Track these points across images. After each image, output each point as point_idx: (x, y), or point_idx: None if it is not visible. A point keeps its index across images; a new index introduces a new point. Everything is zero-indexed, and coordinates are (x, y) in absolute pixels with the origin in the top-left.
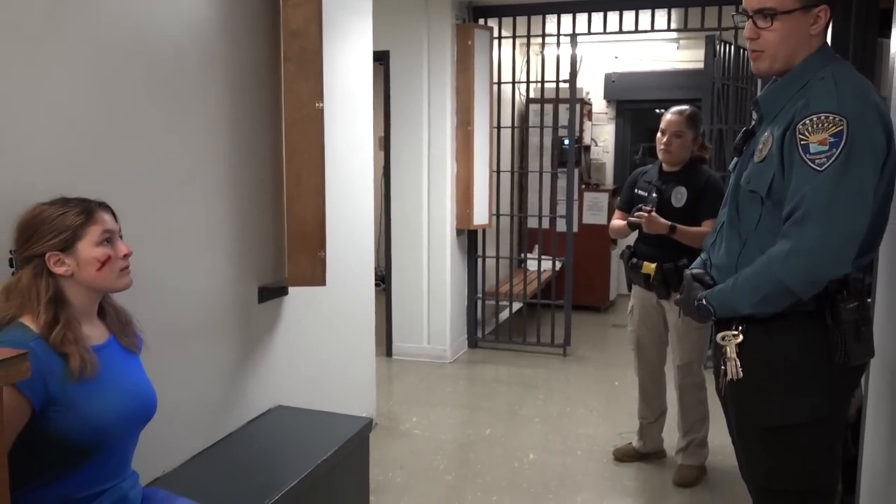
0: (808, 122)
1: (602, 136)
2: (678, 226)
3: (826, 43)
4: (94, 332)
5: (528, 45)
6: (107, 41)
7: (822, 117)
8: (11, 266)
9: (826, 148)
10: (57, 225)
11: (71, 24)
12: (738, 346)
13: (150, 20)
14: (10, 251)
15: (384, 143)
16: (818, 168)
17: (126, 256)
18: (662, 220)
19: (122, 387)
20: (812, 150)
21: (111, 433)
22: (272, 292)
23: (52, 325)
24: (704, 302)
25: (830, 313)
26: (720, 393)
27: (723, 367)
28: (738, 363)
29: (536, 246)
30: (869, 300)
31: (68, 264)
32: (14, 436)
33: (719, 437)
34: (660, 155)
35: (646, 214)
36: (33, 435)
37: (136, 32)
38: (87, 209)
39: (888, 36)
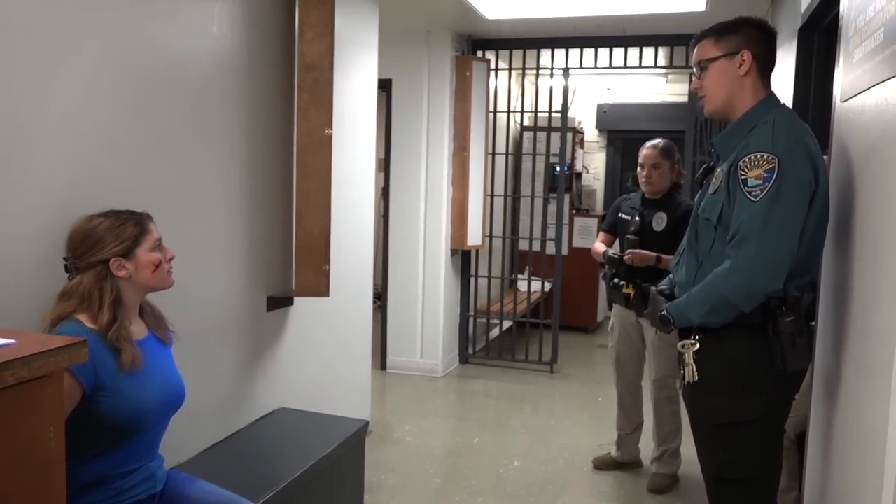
0: (747, 159)
1: (593, 164)
2: (662, 256)
3: (770, 93)
4: (137, 328)
5: (524, 76)
6: (146, 72)
7: (758, 156)
8: (67, 271)
9: (760, 182)
10: (119, 234)
11: (120, 57)
12: (695, 353)
13: (183, 53)
14: (65, 258)
15: (384, 165)
16: (753, 199)
17: (171, 259)
18: (649, 254)
19: (160, 377)
20: (749, 184)
21: (148, 418)
22: (279, 302)
23: (111, 323)
24: (665, 313)
25: (772, 326)
26: (682, 394)
27: (682, 372)
28: (695, 368)
29: (528, 267)
30: (804, 315)
31: (128, 268)
32: (67, 414)
33: (691, 449)
34: (642, 186)
35: (635, 252)
36: (82, 416)
37: (171, 63)
38: (141, 220)
39: None
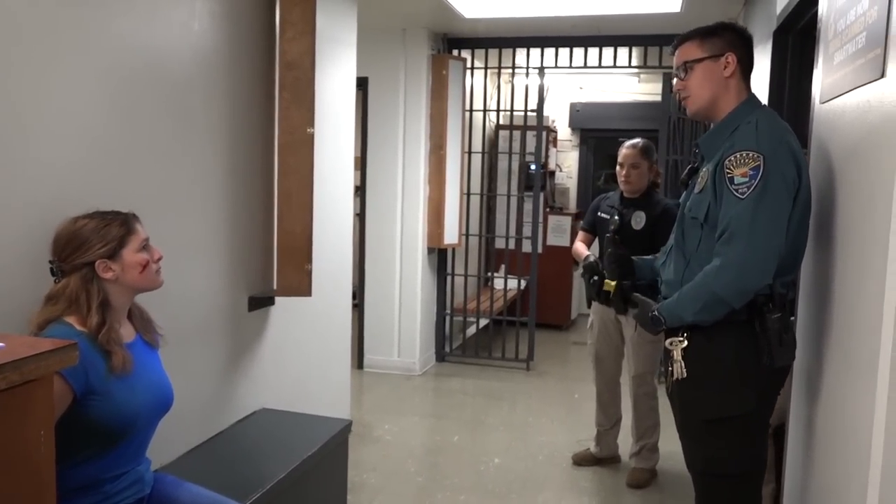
0: (732, 158)
1: (566, 163)
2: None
3: (752, 94)
4: (125, 331)
5: (499, 75)
6: (128, 70)
7: (744, 154)
8: (53, 274)
9: (746, 180)
10: (104, 235)
11: (101, 55)
12: (683, 350)
13: (165, 50)
14: (51, 261)
15: (360, 163)
16: (741, 196)
17: (159, 259)
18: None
19: (149, 380)
20: (736, 182)
21: (138, 421)
22: (260, 302)
23: (100, 326)
24: (657, 314)
25: (759, 322)
26: (668, 391)
27: (670, 369)
28: (683, 365)
29: (503, 265)
30: (792, 317)
31: (114, 270)
32: (57, 418)
33: (669, 444)
34: (621, 186)
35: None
36: (71, 420)
37: (152, 61)
38: (126, 220)
39: None
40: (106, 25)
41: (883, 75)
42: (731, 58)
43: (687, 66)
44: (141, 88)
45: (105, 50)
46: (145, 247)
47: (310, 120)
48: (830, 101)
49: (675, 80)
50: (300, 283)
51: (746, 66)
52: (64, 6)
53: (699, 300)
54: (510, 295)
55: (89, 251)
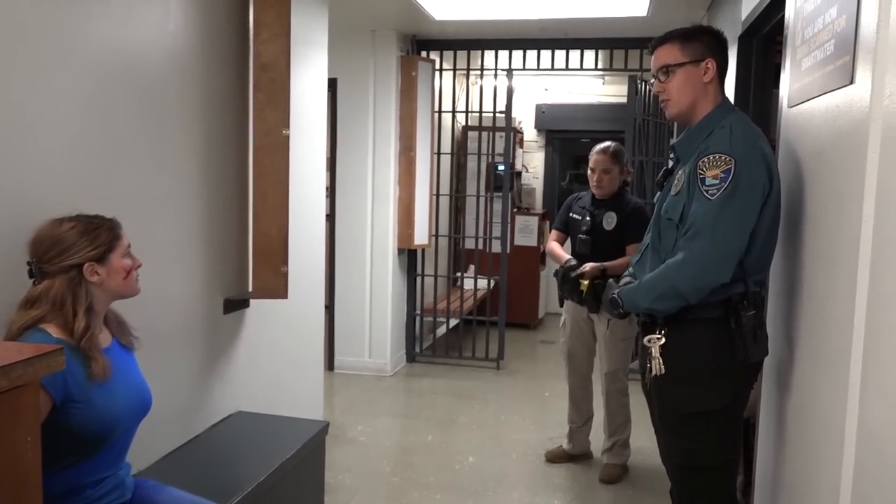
0: (706, 160)
1: (532, 163)
2: (607, 265)
3: (726, 99)
4: (103, 336)
5: (468, 76)
6: (103, 70)
7: (716, 157)
8: (31, 276)
9: (717, 181)
10: (94, 238)
11: (76, 55)
12: (661, 346)
13: (139, 51)
14: (29, 262)
15: (330, 164)
16: (710, 197)
17: (139, 267)
18: (597, 265)
19: (128, 384)
20: (707, 183)
21: (118, 427)
22: (236, 304)
23: (85, 331)
24: (616, 296)
25: (734, 319)
26: (646, 388)
27: (648, 366)
28: (661, 361)
29: (472, 266)
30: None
31: (100, 274)
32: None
33: (640, 440)
34: (593, 189)
35: (593, 267)
36: (51, 428)
37: (127, 62)
38: (113, 226)
39: None
40: (82, 27)
41: (852, 81)
42: (711, 63)
43: (669, 70)
44: (116, 90)
45: (80, 51)
46: (128, 253)
47: (285, 121)
48: (799, 106)
49: (654, 82)
50: (276, 285)
51: (723, 71)
52: (39, 7)
53: (657, 290)
54: (479, 295)
55: (78, 253)
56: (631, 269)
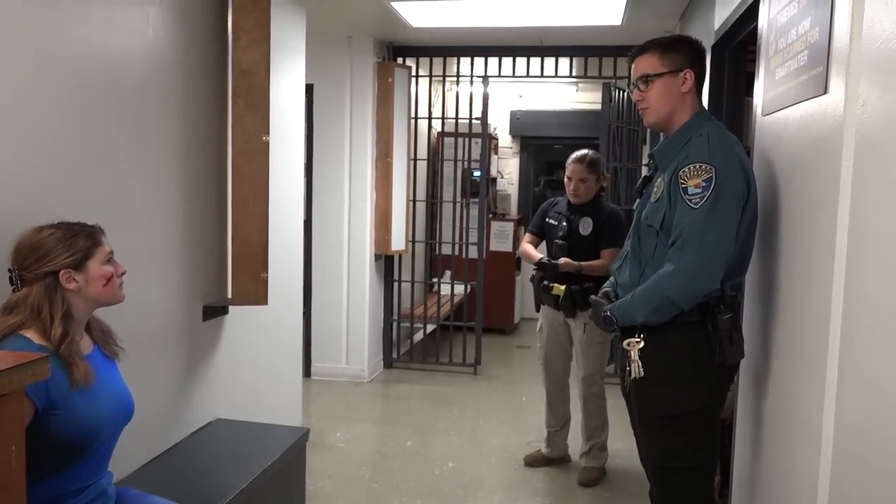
0: (686, 169)
1: (507, 169)
2: (583, 264)
3: (703, 108)
4: (84, 343)
5: (444, 83)
6: (81, 76)
7: (697, 166)
8: (12, 283)
9: (700, 190)
10: (71, 245)
11: (54, 60)
12: (640, 350)
13: (118, 57)
14: (10, 269)
15: (306, 170)
16: (693, 206)
17: (123, 274)
18: (574, 263)
19: (109, 391)
20: (689, 192)
21: (100, 434)
22: (215, 311)
23: (63, 337)
24: (609, 314)
25: (711, 323)
26: (625, 391)
27: (628, 369)
28: (640, 364)
29: (448, 271)
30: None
31: (78, 281)
32: None
33: (617, 443)
34: (570, 197)
35: (568, 262)
36: (33, 436)
37: (106, 67)
38: (93, 233)
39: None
40: (60, 33)
41: (826, 91)
42: (690, 74)
43: (648, 79)
44: (94, 96)
45: (59, 57)
46: (109, 260)
47: (265, 128)
48: (773, 114)
49: (633, 90)
50: (256, 292)
51: (701, 81)
52: (16, 13)
53: (652, 302)
54: (456, 300)
55: (54, 260)
56: (612, 277)
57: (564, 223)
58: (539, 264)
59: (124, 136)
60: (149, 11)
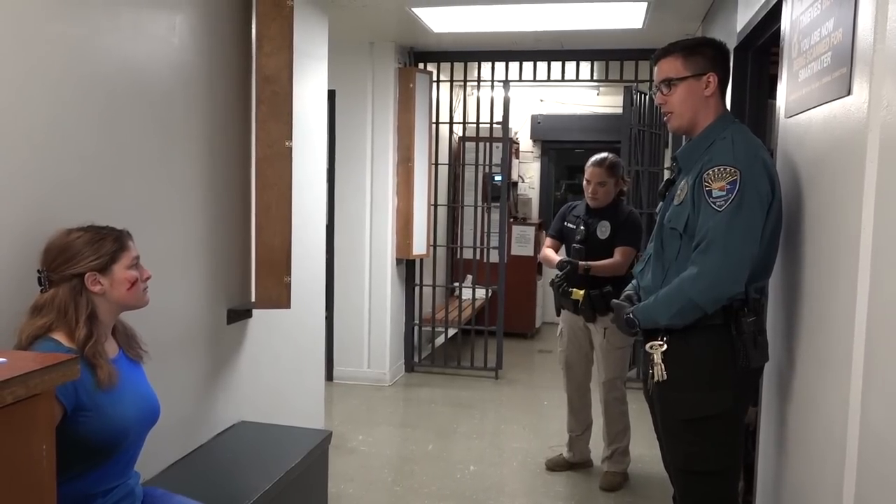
0: (711, 172)
1: (528, 174)
2: (591, 264)
3: (727, 110)
4: (109, 347)
5: (465, 88)
6: (112, 84)
7: (722, 169)
8: (41, 284)
9: (724, 193)
10: (97, 248)
11: (85, 69)
12: (663, 353)
13: (146, 65)
14: (39, 270)
15: (328, 175)
16: (718, 209)
17: (148, 279)
18: (581, 263)
19: (135, 393)
20: (714, 195)
21: (128, 435)
22: (239, 314)
23: (87, 338)
24: (631, 316)
25: (735, 326)
26: (648, 394)
27: (650, 372)
28: (663, 367)
29: (470, 275)
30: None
31: (103, 284)
32: None
33: (640, 448)
34: (588, 201)
35: (590, 264)
36: (62, 437)
37: (135, 75)
38: (120, 237)
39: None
40: (91, 41)
41: (849, 93)
42: (713, 78)
43: (671, 83)
44: (123, 103)
45: (90, 65)
46: (135, 265)
47: (288, 133)
48: (796, 116)
49: (656, 94)
50: (279, 296)
51: (724, 84)
52: (49, 23)
53: (675, 305)
54: (477, 304)
55: (80, 262)
56: (634, 280)
57: (582, 227)
58: (558, 264)
59: (151, 143)
60: (175, 20)
